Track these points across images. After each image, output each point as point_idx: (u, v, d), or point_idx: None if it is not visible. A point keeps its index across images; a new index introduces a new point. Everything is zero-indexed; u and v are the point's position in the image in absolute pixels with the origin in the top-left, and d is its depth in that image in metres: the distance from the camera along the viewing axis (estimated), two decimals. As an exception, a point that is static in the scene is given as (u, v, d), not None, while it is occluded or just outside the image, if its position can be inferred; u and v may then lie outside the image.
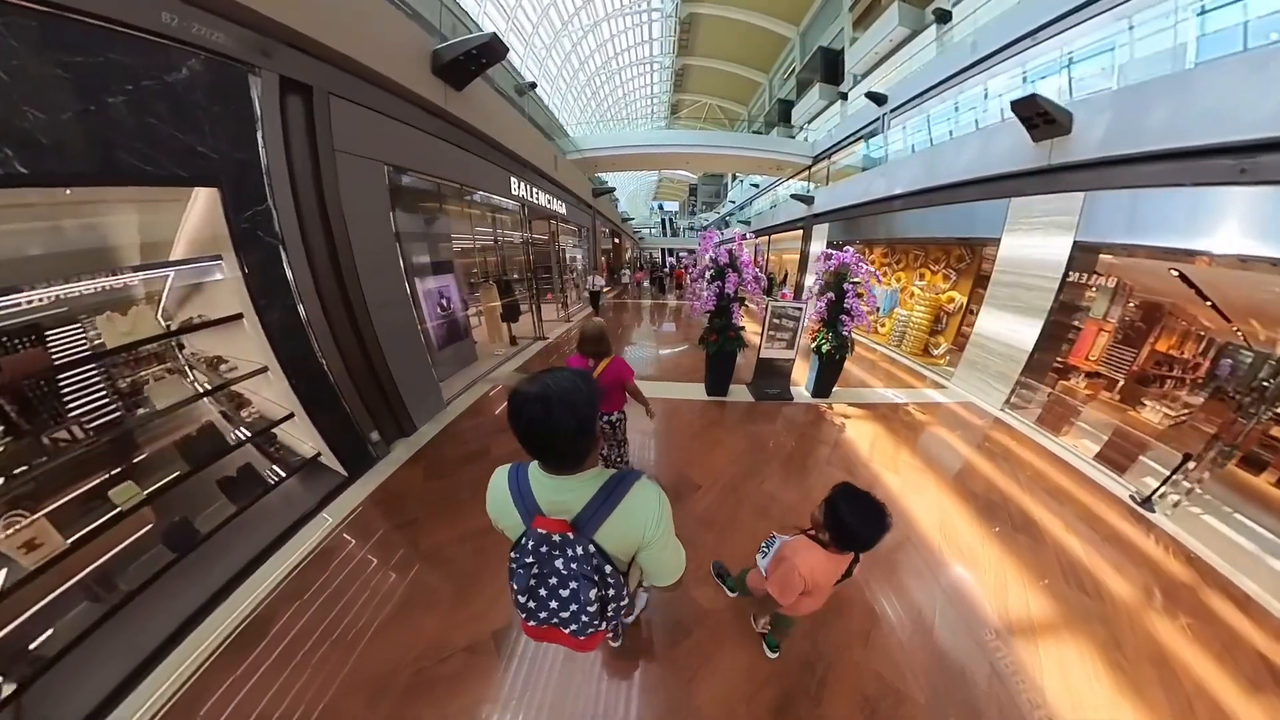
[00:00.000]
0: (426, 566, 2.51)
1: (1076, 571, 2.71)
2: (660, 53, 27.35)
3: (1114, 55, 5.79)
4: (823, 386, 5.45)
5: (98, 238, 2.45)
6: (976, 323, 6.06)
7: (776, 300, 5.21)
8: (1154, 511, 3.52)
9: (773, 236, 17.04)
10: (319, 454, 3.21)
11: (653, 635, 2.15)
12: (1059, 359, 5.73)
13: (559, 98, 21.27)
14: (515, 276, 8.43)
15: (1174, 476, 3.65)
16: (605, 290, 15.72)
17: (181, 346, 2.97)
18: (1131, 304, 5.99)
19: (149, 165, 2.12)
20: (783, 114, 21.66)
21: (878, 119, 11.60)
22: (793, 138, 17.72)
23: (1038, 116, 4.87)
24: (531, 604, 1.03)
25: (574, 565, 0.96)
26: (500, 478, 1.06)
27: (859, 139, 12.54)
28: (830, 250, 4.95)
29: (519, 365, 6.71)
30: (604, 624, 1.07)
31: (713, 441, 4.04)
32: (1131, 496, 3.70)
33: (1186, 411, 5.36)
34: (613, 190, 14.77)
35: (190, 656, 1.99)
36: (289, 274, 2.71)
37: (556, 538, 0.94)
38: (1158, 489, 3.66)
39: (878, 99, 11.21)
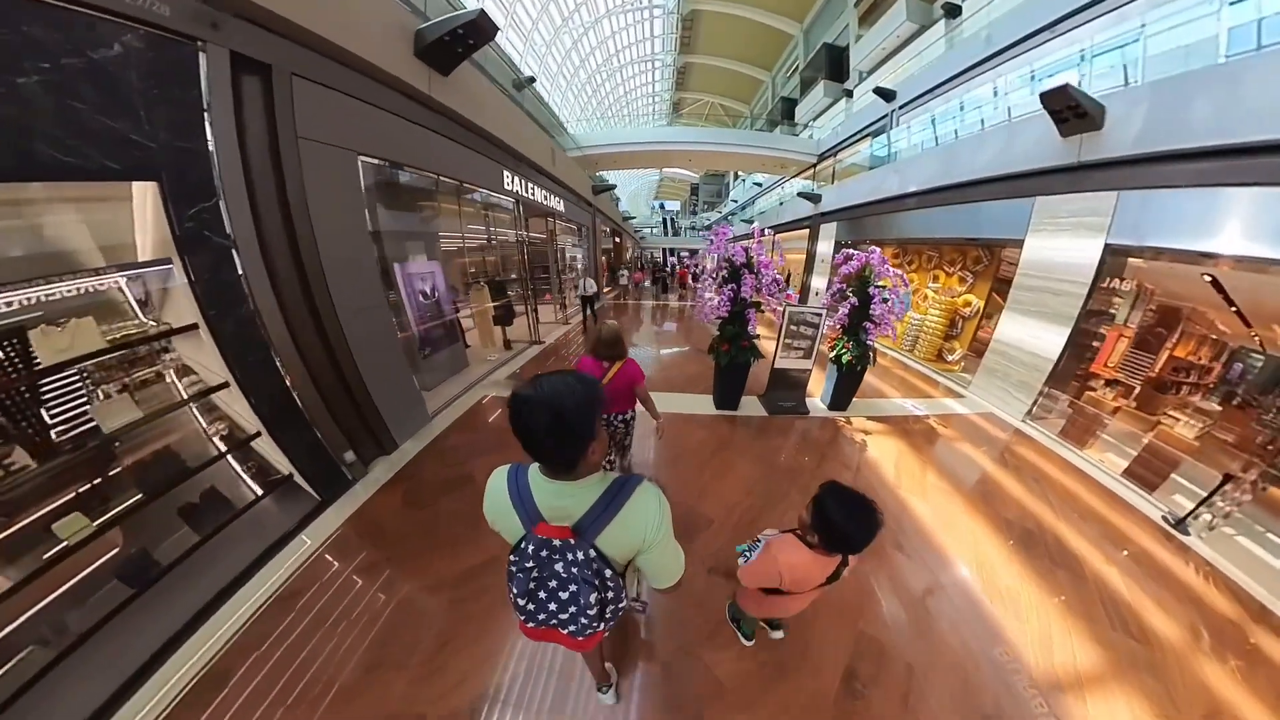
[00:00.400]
0: (398, 617, 2.19)
1: (1120, 611, 2.47)
2: (662, 50, 27.11)
3: (1121, 52, 5.53)
4: (840, 398, 5.09)
5: (23, 242, 2.14)
6: (997, 329, 5.75)
7: (794, 305, 4.77)
8: (1188, 534, 3.28)
9: (777, 236, 16.69)
10: (291, 474, 2.92)
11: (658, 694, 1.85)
12: (1082, 368, 5.43)
13: (559, 95, 20.99)
14: (513, 276, 8.12)
15: (1211, 498, 3.38)
16: (607, 291, 15.35)
17: (165, 350, 2.66)
18: (1149, 308, 5.72)
19: (70, 157, 1.80)
20: (786, 112, 21.46)
21: (886, 115, 11.26)
22: (796, 135, 17.39)
23: (1068, 109, 4.55)
24: (530, 606, 1.02)
25: (574, 569, 0.95)
26: (499, 480, 1.05)
27: (866, 136, 12.21)
28: (851, 250, 4.59)
29: (513, 371, 6.37)
30: (602, 625, 1.06)
31: (724, 466, 3.68)
32: (1164, 518, 3.44)
33: (1209, 421, 5.07)
34: (613, 187, 14.36)
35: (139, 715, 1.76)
36: (243, 279, 2.38)
37: (557, 542, 0.93)
38: (1193, 511, 3.39)
39: (886, 95, 10.88)
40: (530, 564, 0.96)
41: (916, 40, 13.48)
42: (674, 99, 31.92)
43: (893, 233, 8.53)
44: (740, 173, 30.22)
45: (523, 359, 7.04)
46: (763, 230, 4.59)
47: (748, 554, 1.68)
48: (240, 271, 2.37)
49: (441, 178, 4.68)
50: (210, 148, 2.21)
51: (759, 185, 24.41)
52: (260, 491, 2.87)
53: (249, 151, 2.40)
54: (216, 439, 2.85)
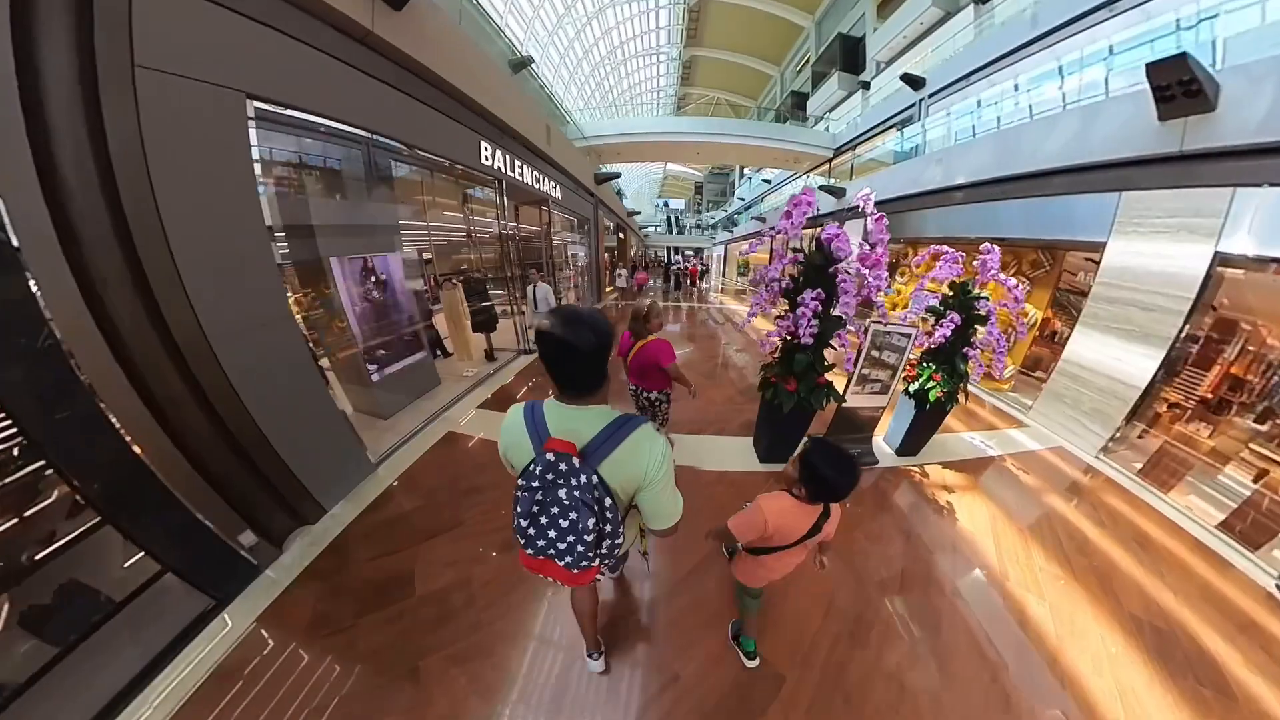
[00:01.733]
0: None
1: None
2: (667, 43, 26.41)
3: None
4: (912, 442, 3.96)
5: None
6: (1068, 347, 4.87)
7: (880, 322, 3.39)
8: (1307, 613, 2.55)
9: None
10: (159, 575, 2.06)
11: None
12: (1165, 395, 4.56)
13: (561, 88, 20.18)
14: (504, 273, 7.23)
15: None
16: (608, 291, 14.28)
17: None
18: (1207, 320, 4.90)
19: None
20: (795, 107, 20.69)
21: (913, 105, 10.36)
22: (810, 129, 16.53)
23: (1178, 85, 3.68)
24: (531, 530, 1.05)
25: (577, 494, 0.99)
26: (516, 414, 1.12)
27: (891, 127, 11.32)
28: (943, 247, 3.58)
29: (496, 390, 5.36)
30: (597, 559, 1.08)
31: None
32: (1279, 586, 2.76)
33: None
34: (618, 176, 13.27)
35: None
36: (38, 297, 1.50)
37: (563, 466, 0.99)
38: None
39: (915, 82, 9.97)
40: (536, 484, 1.01)
41: (941, 28, 12.69)
42: (679, 94, 31.09)
43: (930, 230, 7.60)
44: (747, 170, 29.46)
45: (510, 371, 6.08)
46: (871, 200, 3.01)
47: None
48: (30, 283, 1.50)
49: (390, 140, 3.65)
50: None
51: (768, 182, 23.61)
52: (139, 586, 2.00)
53: (44, 92, 1.51)
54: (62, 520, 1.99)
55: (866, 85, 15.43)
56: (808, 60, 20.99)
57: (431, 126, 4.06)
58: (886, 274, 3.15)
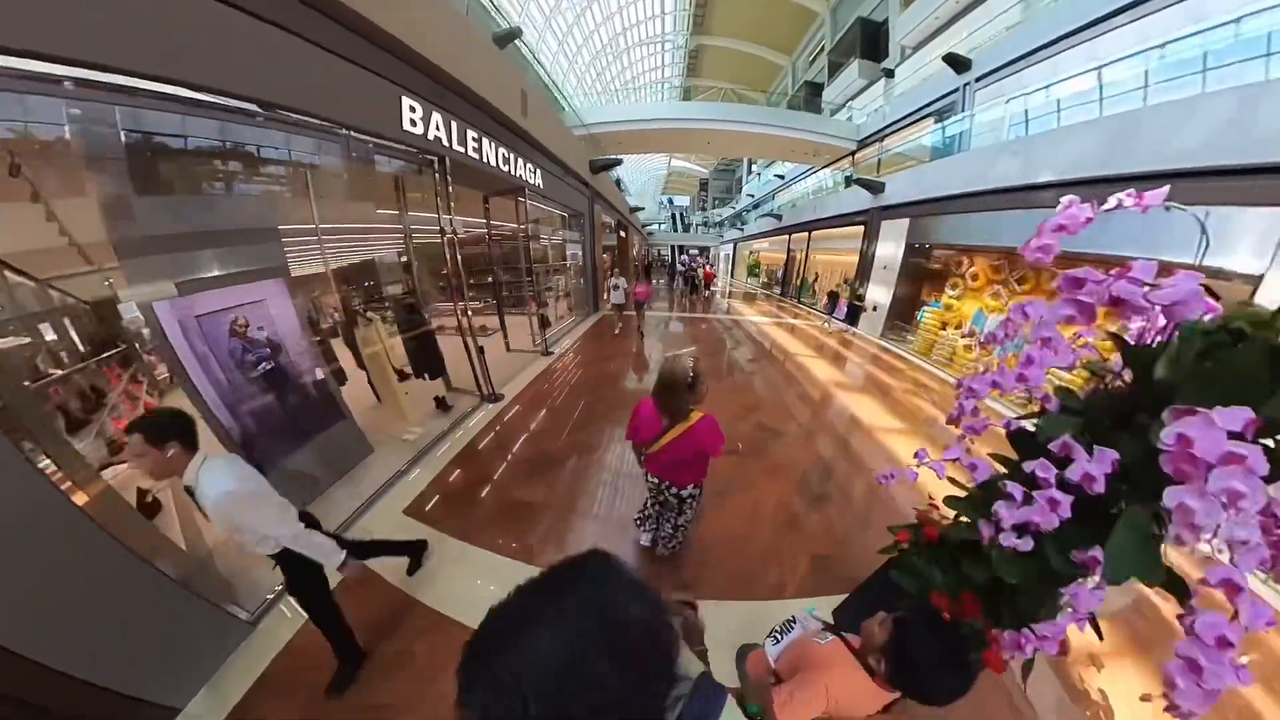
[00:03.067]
0: None
1: None
2: (673, 30, 25.29)
3: None
4: None
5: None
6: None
7: None
8: None
9: (813, 234, 14.47)
10: None
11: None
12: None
13: (560, 75, 19.04)
14: (479, 283, 5.95)
15: None
16: (603, 300, 12.38)
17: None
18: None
19: None
20: (810, 96, 19.45)
21: (955, 91, 9.11)
22: (830, 118, 15.32)
23: None
24: None
25: None
26: None
27: (928, 116, 10.10)
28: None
29: (444, 468, 3.60)
30: None
31: None
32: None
33: None
34: (618, 163, 11.58)
35: None
36: None
37: None
38: None
39: (959, 64, 8.71)
40: None
41: (979, 8, 11.44)
42: (684, 86, 29.89)
43: (990, 238, 6.40)
44: (755, 165, 28.30)
45: (471, 427, 4.38)
46: None
47: (776, 638, 1.35)
48: None
49: (245, 104, 2.32)
50: None
51: (780, 178, 22.45)
52: None
53: None
54: None
55: (890, 73, 14.18)
56: (823, 48, 19.82)
57: (303, 70, 2.57)
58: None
